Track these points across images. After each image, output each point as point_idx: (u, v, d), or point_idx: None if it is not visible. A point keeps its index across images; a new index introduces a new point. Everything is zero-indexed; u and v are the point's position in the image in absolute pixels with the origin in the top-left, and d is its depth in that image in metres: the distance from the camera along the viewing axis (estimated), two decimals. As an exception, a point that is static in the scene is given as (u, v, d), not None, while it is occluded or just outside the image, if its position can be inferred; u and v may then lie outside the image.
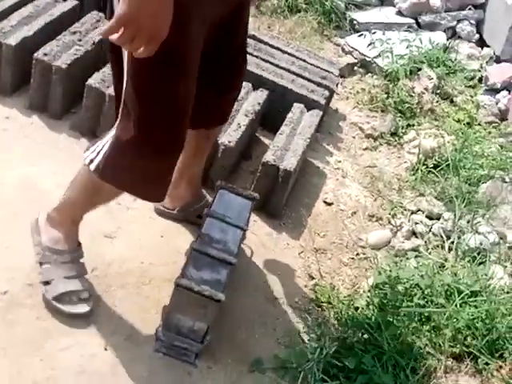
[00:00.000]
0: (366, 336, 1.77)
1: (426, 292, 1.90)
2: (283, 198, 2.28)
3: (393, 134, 2.96)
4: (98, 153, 1.50)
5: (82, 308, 1.68)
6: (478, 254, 2.24)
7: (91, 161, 1.51)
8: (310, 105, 2.59)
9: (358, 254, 2.32)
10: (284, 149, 2.30)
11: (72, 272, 1.68)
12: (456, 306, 1.91)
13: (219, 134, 2.15)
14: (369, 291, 2.03)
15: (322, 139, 2.81)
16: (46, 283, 1.67)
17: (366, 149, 2.88)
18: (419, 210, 2.52)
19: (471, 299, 1.94)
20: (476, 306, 1.92)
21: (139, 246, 1.98)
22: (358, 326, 1.79)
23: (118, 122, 1.47)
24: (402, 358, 1.75)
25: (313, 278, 2.14)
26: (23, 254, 1.75)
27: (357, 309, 2.01)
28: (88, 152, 1.53)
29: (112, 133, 1.48)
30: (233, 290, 1.95)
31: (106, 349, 1.65)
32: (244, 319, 1.90)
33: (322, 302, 2.04)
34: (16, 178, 2.03)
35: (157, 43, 1.17)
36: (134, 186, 1.52)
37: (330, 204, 2.51)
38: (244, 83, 2.19)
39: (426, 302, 1.88)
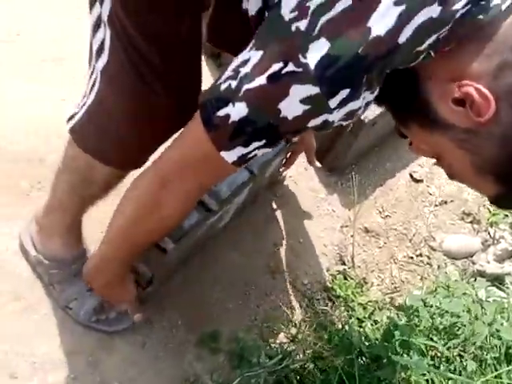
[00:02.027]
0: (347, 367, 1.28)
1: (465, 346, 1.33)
2: (347, 152, 1.76)
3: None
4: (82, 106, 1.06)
5: (126, 321, 1.33)
6: None
7: (71, 117, 1.08)
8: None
9: (420, 255, 1.76)
10: (373, 92, 1.75)
11: None
12: None
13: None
14: (397, 308, 1.50)
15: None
16: (69, 308, 1.29)
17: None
18: (533, 229, 1.86)
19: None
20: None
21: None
22: (347, 347, 1.30)
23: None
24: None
25: (343, 263, 1.66)
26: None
27: (376, 322, 1.51)
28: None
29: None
30: (231, 244, 1.55)
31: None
32: (225, 282, 1.50)
33: (336, 297, 1.56)
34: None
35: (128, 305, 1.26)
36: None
37: (417, 181, 1.93)
38: None
39: (454, 368, 1.29)
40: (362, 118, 1.67)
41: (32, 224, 1.31)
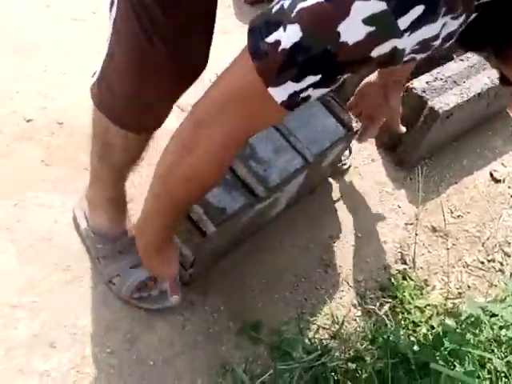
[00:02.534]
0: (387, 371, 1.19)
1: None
2: (419, 145, 1.64)
3: None
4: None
5: (168, 301, 1.30)
6: None
7: (94, 73, 1.06)
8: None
9: (492, 261, 1.62)
10: (451, 80, 1.62)
11: (137, 259, 1.24)
12: None
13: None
14: (451, 314, 1.38)
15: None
16: (113, 283, 1.30)
17: None
18: None
19: None
20: None
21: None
22: (392, 351, 1.21)
23: None
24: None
25: (404, 263, 1.55)
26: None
27: (433, 327, 1.40)
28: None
29: None
30: (284, 233, 1.51)
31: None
32: (274, 271, 1.45)
33: (391, 297, 1.47)
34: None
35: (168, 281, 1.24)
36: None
37: (497, 180, 1.78)
38: None
39: None
40: (437, 108, 1.55)
41: (84, 198, 1.33)
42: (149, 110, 1.01)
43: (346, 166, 1.64)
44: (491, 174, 1.78)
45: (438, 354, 1.15)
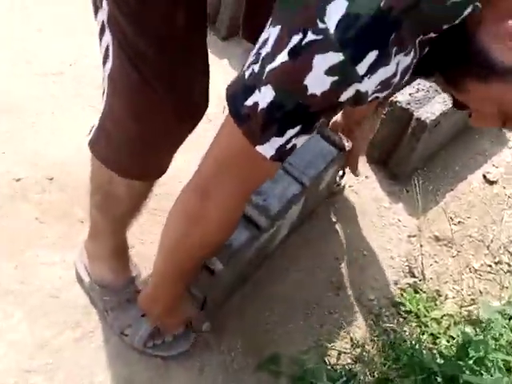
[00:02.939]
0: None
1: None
2: (410, 156, 1.65)
3: None
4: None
5: (183, 345, 1.29)
6: None
7: (91, 129, 1.06)
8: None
9: (499, 263, 1.61)
10: (433, 90, 1.64)
11: None
12: None
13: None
14: (470, 322, 1.37)
15: None
16: (125, 335, 1.27)
17: None
18: None
19: None
20: None
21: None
22: (418, 367, 1.18)
23: None
24: None
25: (413, 276, 1.54)
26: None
27: (452, 338, 1.38)
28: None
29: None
30: (288, 261, 1.49)
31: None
32: (285, 301, 1.42)
33: (406, 312, 1.45)
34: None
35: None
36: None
37: (491, 182, 1.79)
38: None
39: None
40: (423, 118, 1.57)
41: (83, 250, 1.31)
42: (152, 153, 1.00)
43: (340, 186, 1.64)
44: (484, 177, 1.79)
45: (463, 364, 1.13)
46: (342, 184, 1.64)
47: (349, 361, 1.31)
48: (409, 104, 1.59)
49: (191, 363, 1.29)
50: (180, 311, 1.21)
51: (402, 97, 1.61)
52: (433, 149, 1.74)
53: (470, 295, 1.52)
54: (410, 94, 1.61)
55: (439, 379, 1.18)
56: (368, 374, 1.22)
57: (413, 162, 1.68)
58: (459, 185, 1.75)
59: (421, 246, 1.59)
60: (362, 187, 1.68)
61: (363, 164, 1.73)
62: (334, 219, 1.60)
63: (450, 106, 1.61)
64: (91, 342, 1.27)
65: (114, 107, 0.95)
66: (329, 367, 1.27)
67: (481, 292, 1.55)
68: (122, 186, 1.05)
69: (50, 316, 1.27)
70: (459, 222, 1.67)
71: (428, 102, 1.61)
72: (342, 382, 1.19)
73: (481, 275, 1.58)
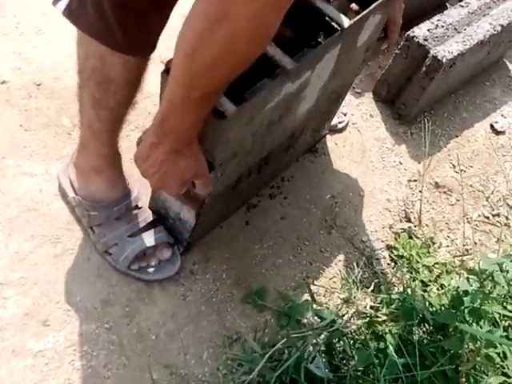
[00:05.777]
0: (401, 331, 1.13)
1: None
2: (419, 97, 1.56)
3: None
4: None
5: (168, 270, 1.24)
6: None
7: None
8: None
9: (497, 215, 1.57)
10: (453, 28, 1.54)
11: (134, 227, 1.21)
12: None
13: None
14: (469, 271, 1.32)
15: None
16: (109, 253, 1.21)
17: None
18: None
19: None
20: None
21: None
22: (408, 313, 1.14)
23: None
24: None
25: (408, 221, 1.49)
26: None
27: (442, 286, 1.34)
28: None
29: None
30: (284, 194, 1.42)
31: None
32: (276, 235, 1.37)
33: (398, 257, 1.41)
34: None
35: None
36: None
37: (498, 132, 1.72)
38: None
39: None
40: (440, 57, 1.47)
41: (70, 165, 1.22)
42: (142, 20, 0.87)
43: (343, 124, 1.56)
44: (492, 126, 1.72)
45: (457, 313, 1.09)
46: (345, 122, 1.56)
47: (337, 301, 1.27)
48: (426, 40, 1.49)
49: (174, 289, 1.24)
50: (194, 150, 0.91)
51: (419, 31, 1.50)
52: (443, 91, 1.65)
53: (464, 245, 1.48)
54: (428, 30, 1.51)
55: (430, 327, 1.15)
56: (357, 315, 1.18)
57: (421, 103, 1.59)
58: (465, 132, 1.68)
59: (420, 191, 1.54)
60: (366, 125, 1.60)
61: (369, 102, 1.65)
62: (334, 156, 1.53)
63: (469, 46, 1.52)
64: (71, 260, 1.21)
65: None
66: (317, 305, 1.23)
67: (476, 243, 1.51)
68: (117, 65, 0.93)
69: (28, 229, 1.20)
70: (461, 170, 1.61)
71: (446, 40, 1.51)
72: (330, 321, 1.15)
73: (477, 226, 1.53)
